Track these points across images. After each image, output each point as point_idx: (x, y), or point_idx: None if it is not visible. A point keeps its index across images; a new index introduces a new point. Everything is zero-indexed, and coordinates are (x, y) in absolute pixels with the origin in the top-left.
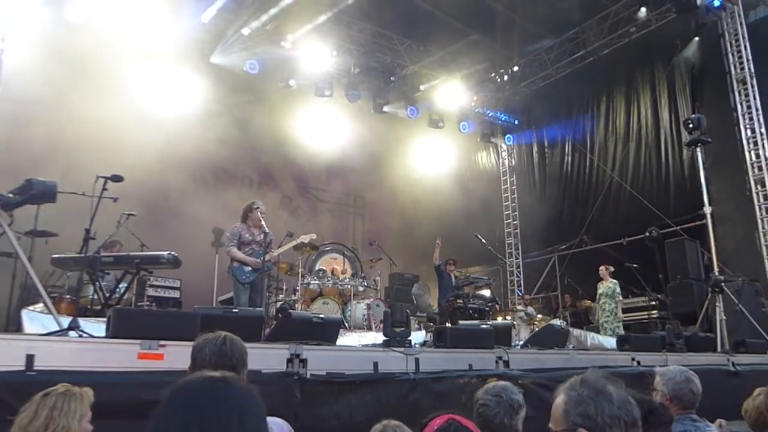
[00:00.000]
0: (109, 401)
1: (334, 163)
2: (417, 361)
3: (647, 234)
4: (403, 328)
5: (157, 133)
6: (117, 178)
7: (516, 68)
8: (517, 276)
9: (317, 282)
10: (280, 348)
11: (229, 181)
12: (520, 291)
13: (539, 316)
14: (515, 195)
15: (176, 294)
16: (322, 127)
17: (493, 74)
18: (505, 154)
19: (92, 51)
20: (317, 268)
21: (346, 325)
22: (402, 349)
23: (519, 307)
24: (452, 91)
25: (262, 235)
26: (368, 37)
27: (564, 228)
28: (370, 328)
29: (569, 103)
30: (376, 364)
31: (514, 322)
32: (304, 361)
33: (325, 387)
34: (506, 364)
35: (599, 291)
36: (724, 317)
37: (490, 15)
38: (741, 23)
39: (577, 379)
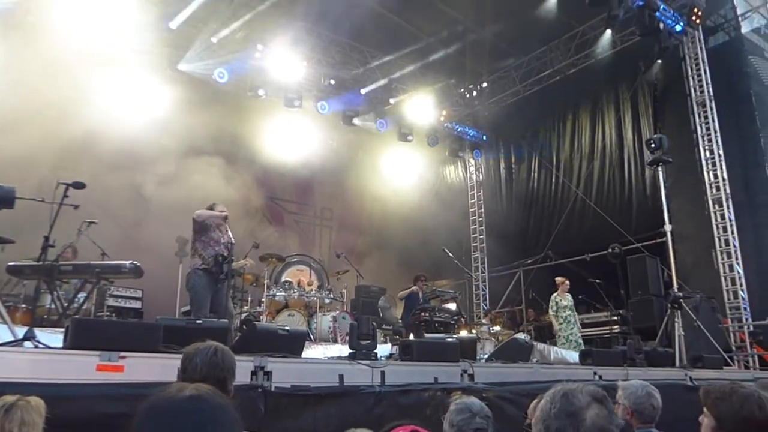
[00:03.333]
0: (66, 414)
1: (302, 174)
2: (383, 373)
3: (610, 250)
4: (369, 341)
5: (122, 140)
6: (79, 185)
7: (485, 84)
8: (483, 290)
9: (283, 294)
10: (244, 360)
11: None
12: (486, 305)
13: (505, 330)
14: (482, 209)
15: (138, 304)
16: (291, 138)
17: (462, 90)
18: (473, 168)
19: (56, 56)
20: (283, 279)
21: (312, 337)
22: (368, 361)
23: (484, 321)
24: (422, 106)
25: (227, 238)
26: (339, 48)
27: (529, 243)
28: (335, 341)
29: (536, 121)
30: (341, 377)
31: (479, 336)
32: (268, 374)
33: (289, 400)
34: (471, 377)
35: (563, 303)
36: (683, 333)
37: (461, 31)
38: (701, 48)
39: (563, 390)
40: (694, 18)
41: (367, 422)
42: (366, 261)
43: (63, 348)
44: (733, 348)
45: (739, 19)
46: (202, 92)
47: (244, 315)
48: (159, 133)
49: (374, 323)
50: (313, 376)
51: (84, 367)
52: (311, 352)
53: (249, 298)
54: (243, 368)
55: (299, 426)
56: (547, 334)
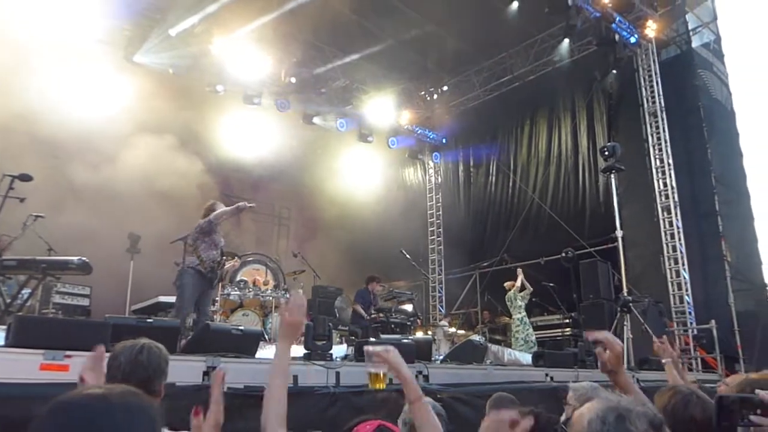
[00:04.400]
0: (7, 416)
1: (260, 173)
2: (338, 374)
3: (563, 254)
4: (324, 342)
5: (74, 132)
6: (25, 178)
7: (445, 88)
8: (439, 292)
9: (238, 293)
10: (196, 360)
11: None
12: (442, 307)
13: (460, 331)
14: (440, 212)
15: (85, 302)
16: (250, 135)
17: (423, 92)
18: (432, 171)
19: (7, 46)
20: (238, 278)
21: (267, 337)
22: (323, 362)
23: (440, 323)
24: (383, 107)
25: (223, 241)
26: (300, 47)
27: (486, 246)
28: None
29: (495, 125)
30: (296, 378)
31: (435, 337)
32: None
33: (242, 400)
34: (426, 378)
35: (518, 303)
36: (631, 336)
37: (423, 34)
38: (654, 60)
39: (617, 411)
40: (647, 31)
41: (322, 423)
42: (323, 261)
43: (4, 346)
44: (678, 351)
45: (690, 33)
46: (159, 85)
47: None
48: (112, 125)
49: (330, 324)
50: (267, 377)
51: (27, 367)
52: (266, 352)
53: None
54: (194, 368)
55: (252, 427)
56: (501, 336)
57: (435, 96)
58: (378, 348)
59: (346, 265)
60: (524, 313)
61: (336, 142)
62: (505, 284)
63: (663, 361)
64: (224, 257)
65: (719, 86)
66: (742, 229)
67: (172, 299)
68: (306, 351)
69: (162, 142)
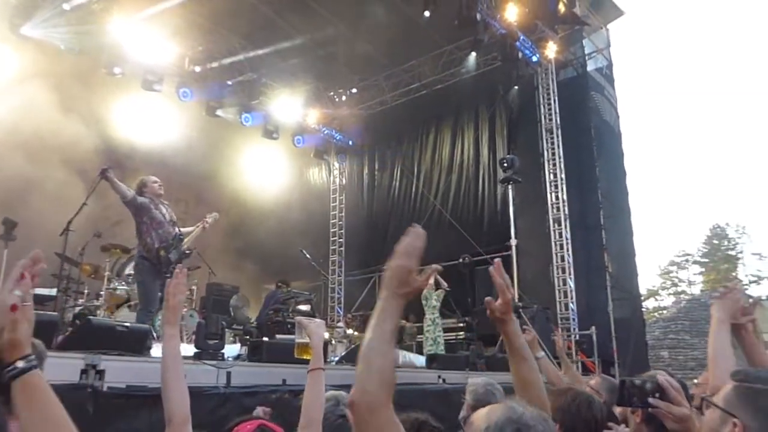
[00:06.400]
0: None
1: (156, 163)
2: (228, 374)
3: (461, 260)
4: (216, 341)
5: None
6: None
7: (354, 90)
8: (339, 293)
9: (125, 287)
10: (73, 357)
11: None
12: (340, 308)
13: (357, 333)
14: (343, 213)
15: None
16: (147, 123)
17: (332, 93)
18: (336, 172)
19: None
20: (126, 272)
21: (155, 335)
22: (214, 362)
23: (339, 324)
24: (290, 104)
25: (170, 214)
26: (207, 36)
27: (387, 249)
28: (181, 339)
29: (401, 131)
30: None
31: (333, 338)
32: (101, 373)
33: (123, 401)
34: None
35: (432, 303)
36: (522, 344)
37: (334, 35)
38: (552, 80)
39: (517, 425)
40: (548, 52)
41: (210, 424)
42: (220, 258)
43: None
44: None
45: (586, 57)
46: (49, 63)
47: (78, 309)
48: None
49: (224, 322)
50: (152, 376)
51: None
52: (154, 350)
53: (86, 291)
54: (72, 366)
55: (134, 428)
56: (398, 339)
57: (344, 97)
58: (305, 319)
59: (245, 263)
60: (437, 314)
61: (239, 137)
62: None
63: (537, 355)
64: (178, 231)
65: (609, 109)
66: (623, 243)
67: (48, 291)
68: (196, 350)
69: (49, 124)
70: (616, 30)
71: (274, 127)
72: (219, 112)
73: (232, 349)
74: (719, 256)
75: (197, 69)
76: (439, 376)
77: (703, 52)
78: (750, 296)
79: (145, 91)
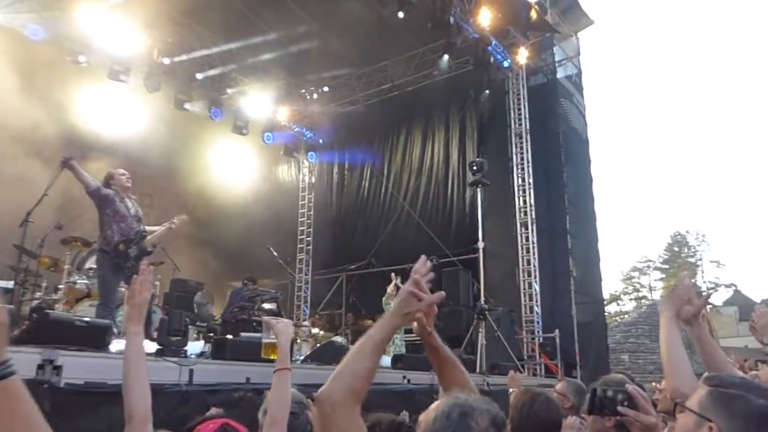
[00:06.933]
0: None
1: (121, 155)
2: (191, 372)
3: (428, 262)
4: (179, 338)
5: None
6: None
7: (326, 88)
8: (305, 292)
9: (85, 281)
10: (29, 352)
11: None
12: (307, 307)
13: (323, 333)
14: (311, 212)
15: None
16: (112, 114)
17: (303, 90)
18: (306, 170)
19: None
20: (87, 266)
21: (117, 330)
22: (176, 359)
23: (305, 323)
24: (260, 100)
25: (135, 209)
26: (178, 28)
27: (355, 249)
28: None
29: (372, 131)
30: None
31: (298, 337)
32: (58, 368)
33: (82, 398)
34: None
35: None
36: (485, 342)
37: (307, 32)
38: (523, 85)
39: (461, 408)
40: (519, 57)
41: (171, 422)
42: (186, 254)
43: None
44: (525, 357)
45: (556, 65)
46: (12, 48)
47: (35, 302)
48: None
49: (187, 319)
50: (111, 373)
51: None
52: (114, 346)
53: (44, 284)
54: (28, 361)
55: (92, 426)
56: None
57: (315, 95)
58: (272, 319)
59: (211, 259)
60: None
61: (208, 132)
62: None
63: (510, 391)
64: (142, 228)
65: (577, 116)
66: (588, 248)
67: (5, 284)
68: (159, 346)
69: (9, 110)
70: (586, 39)
71: (244, 122)
72: (187, 106)
73: (195, 347)
74: (679, 262)
75: (166, 61)
76: (404, 377)
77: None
78: (699, 288)
79: (112, 81)
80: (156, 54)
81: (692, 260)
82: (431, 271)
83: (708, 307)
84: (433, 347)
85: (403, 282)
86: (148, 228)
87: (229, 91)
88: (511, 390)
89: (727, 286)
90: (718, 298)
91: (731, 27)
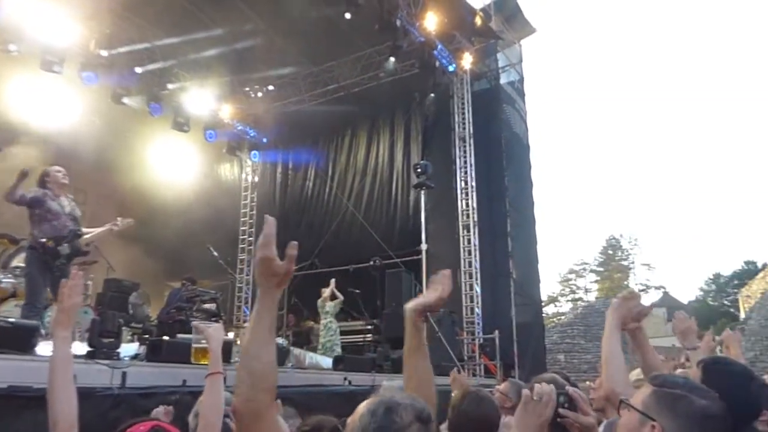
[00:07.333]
0: None
1: (54, 149)
2: (124, 375)
3: (371, 263)
4: (112, 339)
5: None
6: None
7: (271, 87)
8: (246, 293)
9: (11, 281)
10: None
11: None
12: (248, 308)
13: None
14: (254, 212)
15: None
16: (46, 106)
17: (247, 88)
18: (249, 169)
19: None
20: (14, 264)
21: (43, 332)
22: (108, 361)
23: (244, 325)
24: (203, 97)
25: (71, 208)
26: (117, 20)
27: (298, 250)
28: (74, 337)
29: (317, 131)
30: (74, 377)
31: (237, 339)
32: None
33: (4, 402)
34: (224, 379)
35: (326, 309)
36: (426, 343)
37: (253, 30)
38: (467, 90)
39: (386, 404)
40: (464, 62)
41: (102, 427)
42: (121, 252)
43: None
44: (465, 358)
45: (500, 70)
46: None
47: None
48: None
49: (121, 320)
50: (37, 376)
51: None
52: (41, 348)
53: None
54: None
55: (15, 431)
56: (305, 340)
57: (259, 94)
58: (202, 324)
59: (148, 259)
60: (330, 319)
61: (147, 127)
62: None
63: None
64: (77, 227)
65: (519, 122)
66: (527, 251)
67: None
68: (89, 348)
69: None
70: (529, 46)
71: (185, 119)
72: (126, 100)
73: (129, 348)
74: (613, 265)
75: (104, 53)
76: (345, 378)
77: (605, 71)
78: (644, 306)
79: (45, 71)
80: (93, 45)
81: (625, 263)
82: (375, 270)
83: (644, 308)
84: (419, 330)
85: (337, 286)
86: (87, 229)
87: (170, 86)
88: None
89: (656, 288)
90: (648, 300)
91: (663, 36)
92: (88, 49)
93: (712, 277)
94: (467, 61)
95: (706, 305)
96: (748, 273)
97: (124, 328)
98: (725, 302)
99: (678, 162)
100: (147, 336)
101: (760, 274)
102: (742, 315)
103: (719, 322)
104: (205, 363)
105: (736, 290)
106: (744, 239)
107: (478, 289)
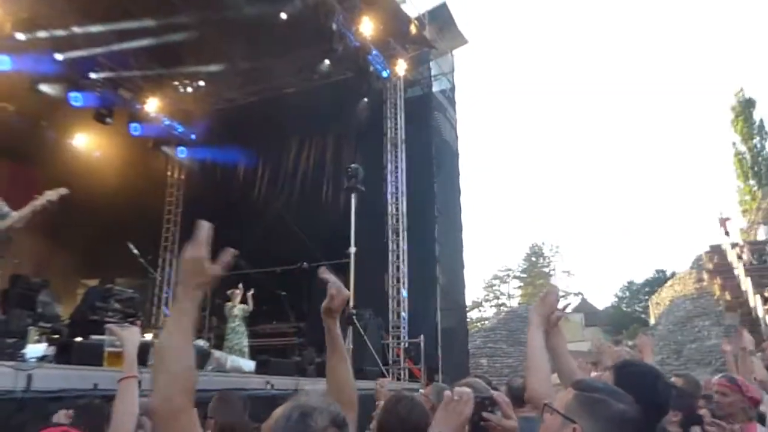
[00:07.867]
0: None
1: None
2: (29, 377)
3: (299, 266)
4: (16, 339)
5: None
6: None
7: (202, 83)
8: (167, 292)
9: None
10: None
11: None
12: (168, 308)
13: None
14: (179, 209)
15: None
16: None
17: (177, 83)
18: (175, 166)
19: None
20: None
21: None
22: (12, 363)
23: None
24: (128, 89)
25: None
26: (37, 4)
27: (225, 249)
28: None
29: (249, 130)
30: None
31: (155, 341)
32: None
33: None
34: (139, 383)
35: (235, 313)
36: (352, 346)
37: (185, 25)
38: (400, 96)
39: (302, 409)
40: (397, 69)
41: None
42: (31, 249)
43: None
44: (390, 362)
45: (432, 78)
46: None
47: None
48: None
49: (29, 319)
50: None
51: None
52: None
53: None
54: None
55: None
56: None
57: (189, 89)
58: (116, 326)
59: (62, 255)
60: (238, 323)
61: (66, 118)
62: (228, 292)
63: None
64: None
65: (449, 129)
66: (454, 256)
67: None
68: None
69: None
70: (460, 56)
71: (108, 111)
72: (43, 87)
73: (36, 349)
74: (536, 272)
75: (21, 37)
76: (268, 382)
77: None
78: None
79: None
80: (9, 28)
81: (546, 270)
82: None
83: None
84: (333, 332)
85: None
86: (15, 212)
87: (92, 75)
88: (378, 402)
89: (575, 294)
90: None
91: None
92: (3, 30)
93: (626, 284)
94: (401, 67)
95: (620, 311)
96: (658, 281)
97: (31, 327)
98: (637, 308)
99: (598, 174)
100: (57, 336)
101: (669, 282)
102: (652, 320)
103: (631, 327)
104: (119, 368)
105: (647, 297)
106: (656, 249)
107: (404, 293)
